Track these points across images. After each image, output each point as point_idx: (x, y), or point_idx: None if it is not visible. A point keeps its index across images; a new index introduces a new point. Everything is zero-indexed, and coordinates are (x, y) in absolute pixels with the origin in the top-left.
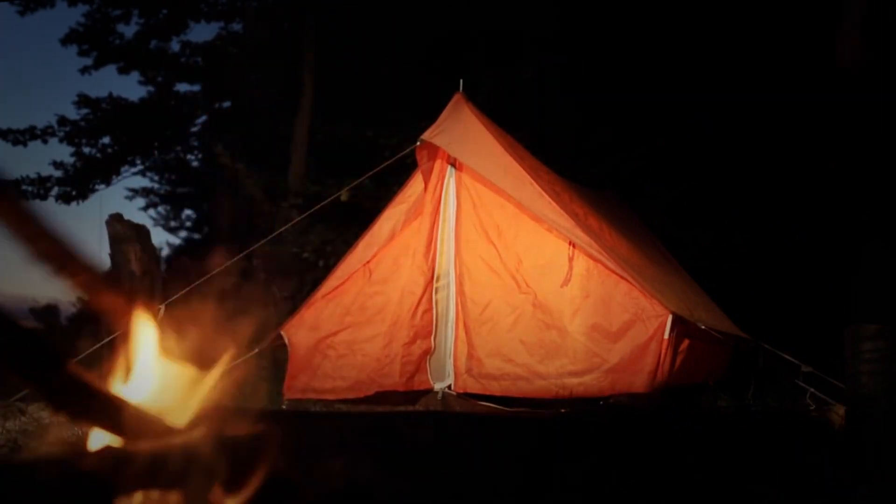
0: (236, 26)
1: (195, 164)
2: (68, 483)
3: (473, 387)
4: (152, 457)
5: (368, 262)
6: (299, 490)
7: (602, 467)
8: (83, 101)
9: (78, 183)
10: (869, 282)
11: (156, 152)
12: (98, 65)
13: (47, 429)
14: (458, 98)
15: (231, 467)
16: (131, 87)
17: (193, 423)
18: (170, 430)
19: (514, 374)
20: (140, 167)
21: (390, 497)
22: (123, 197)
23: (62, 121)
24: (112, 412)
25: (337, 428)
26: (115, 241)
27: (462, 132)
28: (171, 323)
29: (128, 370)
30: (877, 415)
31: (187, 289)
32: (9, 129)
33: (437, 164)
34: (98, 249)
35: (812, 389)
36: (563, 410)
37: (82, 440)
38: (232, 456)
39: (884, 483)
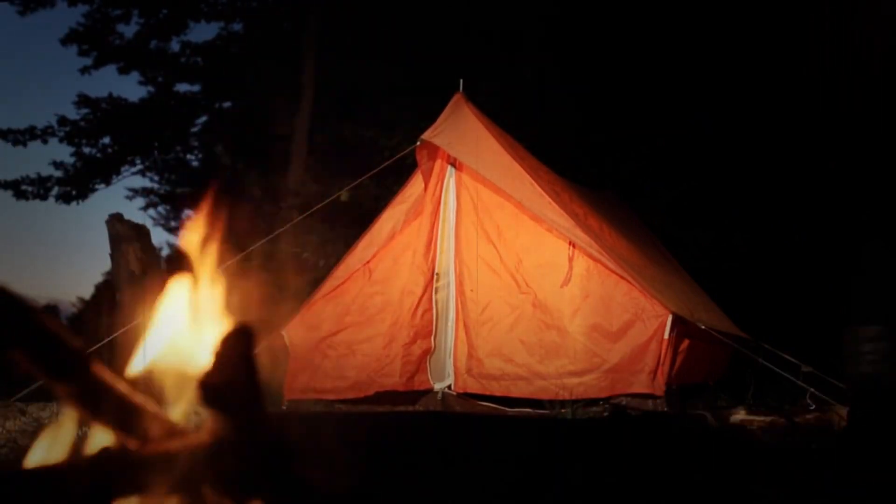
0: (236, 26)
1: (195, 164)
2: (67, 486)
3: (473, 387)
4: (156, 459)
5: (368, 262)
6: (305, 491)
7: (602, 467)
8: (83, 101)
9: (78, 183)
10: (869, 282)
11: (156, 152)
12: (98, 65)
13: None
14: (458, 98)
15: (240, 468)
16: (131, 87)
17: (202, 423)
18: (182, 432)
19: (514, 374)
20: (140, 167)
21: (391, 497)
22: (123, 197)
23: (62, 121)
24: (131, 414)
25: (341, 427)
26: (115, 241)
27: (462, 132)
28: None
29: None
30: (878, 415)
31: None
32: (9, 129)
33: (437, 164)
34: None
35: (812, 389)
36: (563, 410)
37: (82, 441)
38: (241, 456)
39: (885, 484)
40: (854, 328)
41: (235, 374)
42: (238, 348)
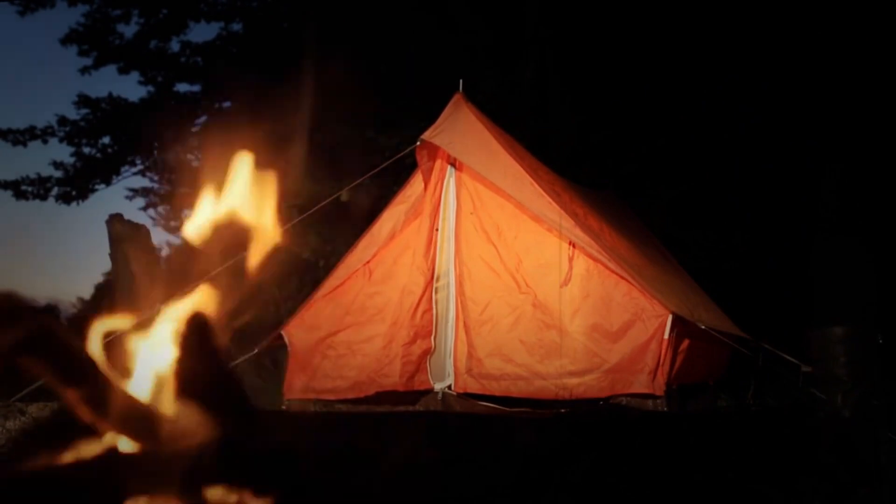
0: (236, 26)
1: (195, 164)
2: (76, 487)
3: (473, 387)
4: (158, 460)
5: (368, 262)
6: (309, 490)
7: (602, 467)
8: (83, 101)
9: (78, 183)
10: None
11: (156, 152)
12: (98, 65)
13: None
14: (458, 98)
15: (242, 470)
16: (131, 87)
17: (203, 427)
18: (183, 434)
19: (514, 374)
20: (140, 167)
21: (391, 497)
22: (123, 197)
23: (62, 121)
24: (137, 417)
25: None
26: (115, 241)
27: (462, 132)
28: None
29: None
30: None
31: (187, 289)
32: (9, 129)
33: (437, 164)
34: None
35: (812, 389)
36: (563, 410)
37: (84, 442)
38: (242, 459)
39: (881, 484)
40: (822, 330)
41: (201, 366)
42: (197, 340)
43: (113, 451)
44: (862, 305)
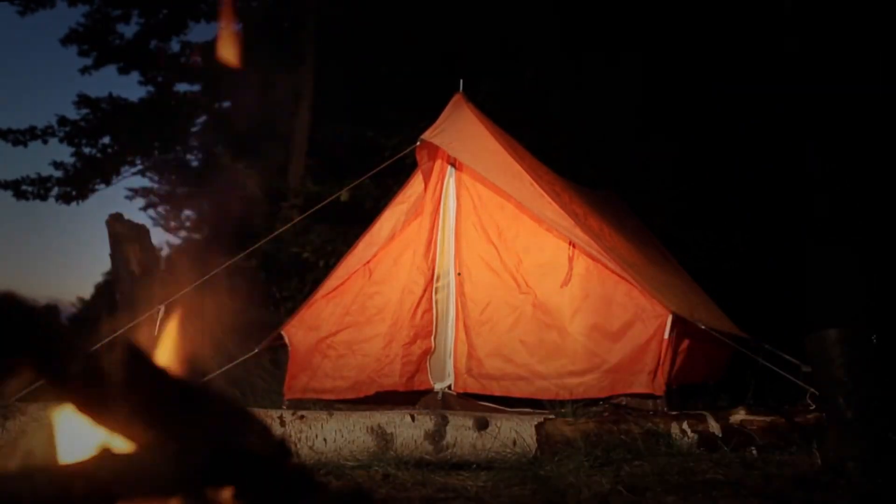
0: (236, 26)
1: (195, 164)
2: (70, 487)
3: (473, 387)
4: (153, 461)
5: (368, 262)
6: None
7: (601, 467)
8: (83, 101)
9: (78, 183)
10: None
11: (156, 152)
12: (98, 65)
13: (46, 430)
14: (457, 98)
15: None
16: (131, 87)
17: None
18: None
19: (514, 374)
20: (140, 167)
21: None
22: (123, 197)
23: (62, 121)
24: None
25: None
26: (115, 241)
27: (462, 132)
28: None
29: None
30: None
31: (187, 289)
32: (9, 129)
33: (437, 164)
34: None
35: (812, 389)
36: (562, 410)
37: (82, 443)
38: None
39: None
40: (818, 332)
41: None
42: (134, 366)
43: (110, 451)
44: (856, 306)
